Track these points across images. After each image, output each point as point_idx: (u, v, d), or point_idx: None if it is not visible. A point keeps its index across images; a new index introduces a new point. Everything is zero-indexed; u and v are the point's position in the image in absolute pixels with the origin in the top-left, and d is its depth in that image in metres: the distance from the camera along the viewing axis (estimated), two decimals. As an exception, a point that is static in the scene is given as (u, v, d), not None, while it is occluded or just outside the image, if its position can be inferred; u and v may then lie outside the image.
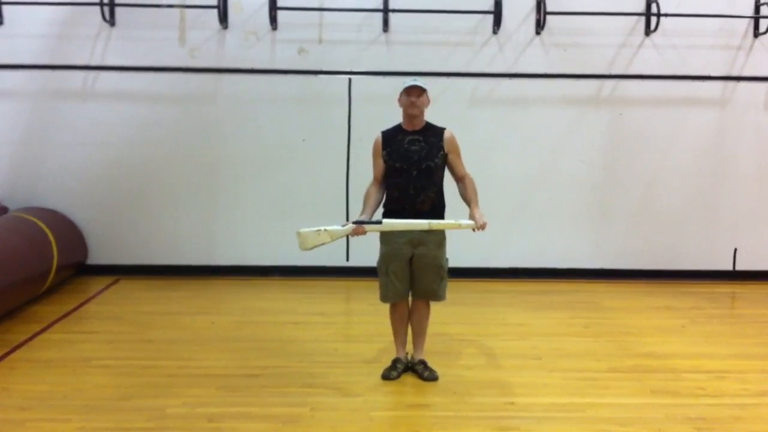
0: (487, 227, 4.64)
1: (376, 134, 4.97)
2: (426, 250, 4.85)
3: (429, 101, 4.90)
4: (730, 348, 5.76)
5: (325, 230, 4.69)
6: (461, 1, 7.59)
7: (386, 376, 4.95)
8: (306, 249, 4.75)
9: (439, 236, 4.88)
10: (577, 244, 7.99)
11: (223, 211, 7.85)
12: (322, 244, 4.72)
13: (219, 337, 5.88)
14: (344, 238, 7.59)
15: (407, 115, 4.87)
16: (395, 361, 5.05)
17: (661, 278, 7.94)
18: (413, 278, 4.92)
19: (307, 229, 4.71)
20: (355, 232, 4.68)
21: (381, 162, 4.90)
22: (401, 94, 4.84)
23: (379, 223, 4.70)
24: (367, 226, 4.68)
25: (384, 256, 4.93)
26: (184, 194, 7.82)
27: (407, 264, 4.89)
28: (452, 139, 4.91)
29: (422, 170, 4.80)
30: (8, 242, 6.32)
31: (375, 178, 4.95)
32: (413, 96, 4.80)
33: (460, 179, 4.88)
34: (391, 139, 4.90)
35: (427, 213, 4.79)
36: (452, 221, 4.75)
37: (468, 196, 4.82)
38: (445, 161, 4.89)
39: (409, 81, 4.84)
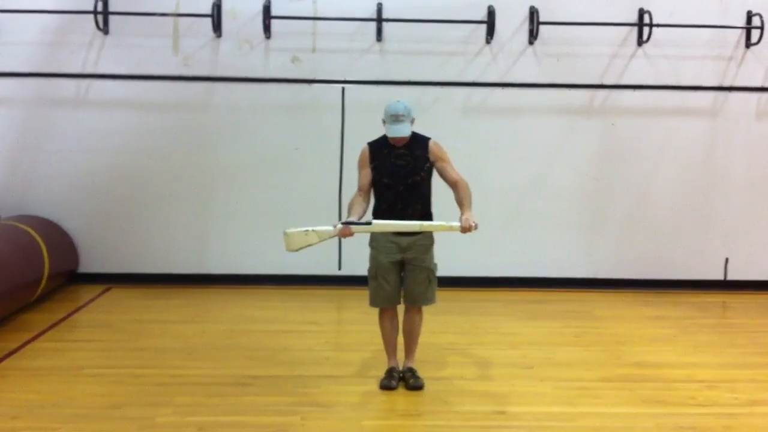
0: (476, 230, 4.59)
1: (363, 145, 5.00)
2: (414, 254, 4.87)
3: (413, 123, 4.86)
4: (720, 357, 5.78)
5: (312, 231, 4.66)
6: (455, 10, 7.61)
7: (386, 386, 4.91)
8: (292, 250, 4.71)
9: (427, 241, 4.90)
10: (569, 253, 8.00)
11: (215, 219, 7.84)
12: (309, 245, 4.68)
13: (210, 345, 5.87)
14: (336, 247, 7.69)
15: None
16: (390, 371, 5.01)
17: (653, 287, 7.95)
18: (403, 282, 4.94)
19: (294, 230, 4.68)
20: (342, 234, 4.65)
21: (367, 172, 4.90)
22: (385, 121, 4.81)
23: (369, 224, 4.67)
24: (355, 228, 4.64)
25: (373, 261, 4.95)
26: (177, 202, 7.80)
27: (397, 268, 4.90)
28: (436, 148, 4.91)
29: (408, 185, 4.83)
30: (-1, 250, 6.31)
31: (360, 188, 4.94)
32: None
33: (453, 184, 4.88)
34: (378, 152, 4.90)
35: (416, 224, 4.83)
36: (443, 222, 4.71)
37: (460, 200, 4.81)
38: (431, 172, 4.91)
39: (391, 119, 4.74)
